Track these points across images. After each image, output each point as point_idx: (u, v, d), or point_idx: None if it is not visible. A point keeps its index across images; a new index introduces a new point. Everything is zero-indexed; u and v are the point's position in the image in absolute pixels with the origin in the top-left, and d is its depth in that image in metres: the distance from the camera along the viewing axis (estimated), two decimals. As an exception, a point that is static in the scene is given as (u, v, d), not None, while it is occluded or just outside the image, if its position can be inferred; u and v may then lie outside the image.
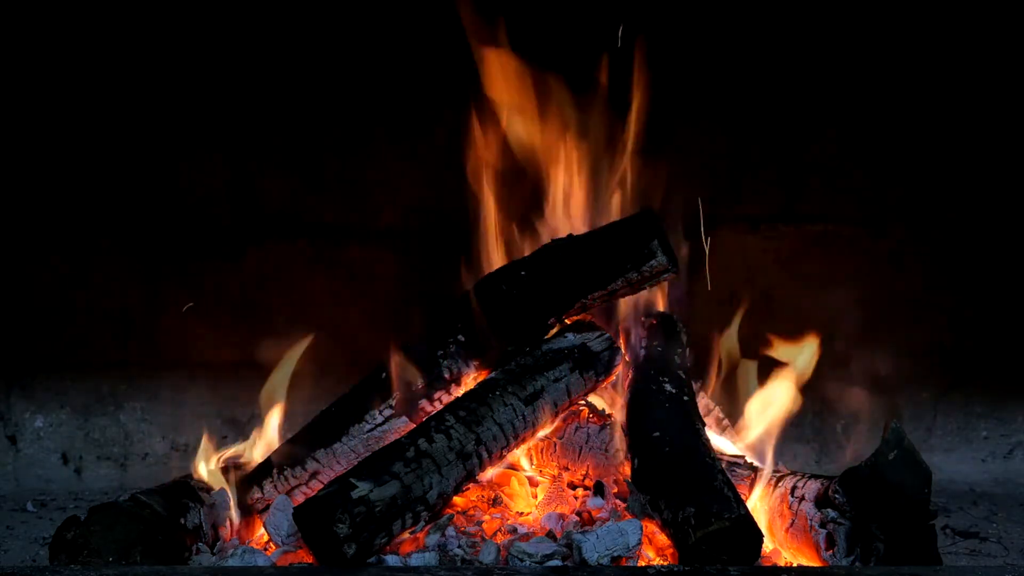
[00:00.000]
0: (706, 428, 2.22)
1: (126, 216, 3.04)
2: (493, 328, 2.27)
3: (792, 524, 2.03)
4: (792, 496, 2.05)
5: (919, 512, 1.89)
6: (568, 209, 2.53)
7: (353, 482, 1.91)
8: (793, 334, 2.50)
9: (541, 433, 2.27)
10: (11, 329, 3.05)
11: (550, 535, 2.03)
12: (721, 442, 2.42)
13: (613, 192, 2.54)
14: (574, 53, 2.63)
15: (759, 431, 2.35)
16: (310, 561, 1.95)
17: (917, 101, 3.02)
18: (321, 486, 2.09)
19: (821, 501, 1.97)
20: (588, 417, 2.33)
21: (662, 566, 1.87)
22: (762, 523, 2.03)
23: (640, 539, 1.94)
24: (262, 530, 2.18)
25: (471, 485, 2.15)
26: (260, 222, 3.07)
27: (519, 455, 2.33)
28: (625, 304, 2.48)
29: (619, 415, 2.32)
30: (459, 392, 2.25)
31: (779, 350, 2.48)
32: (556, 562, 1.91)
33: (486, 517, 2.14)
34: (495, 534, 2.07)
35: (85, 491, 2.97)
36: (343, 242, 3.08)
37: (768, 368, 2.47)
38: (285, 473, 2.24)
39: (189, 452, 3.07)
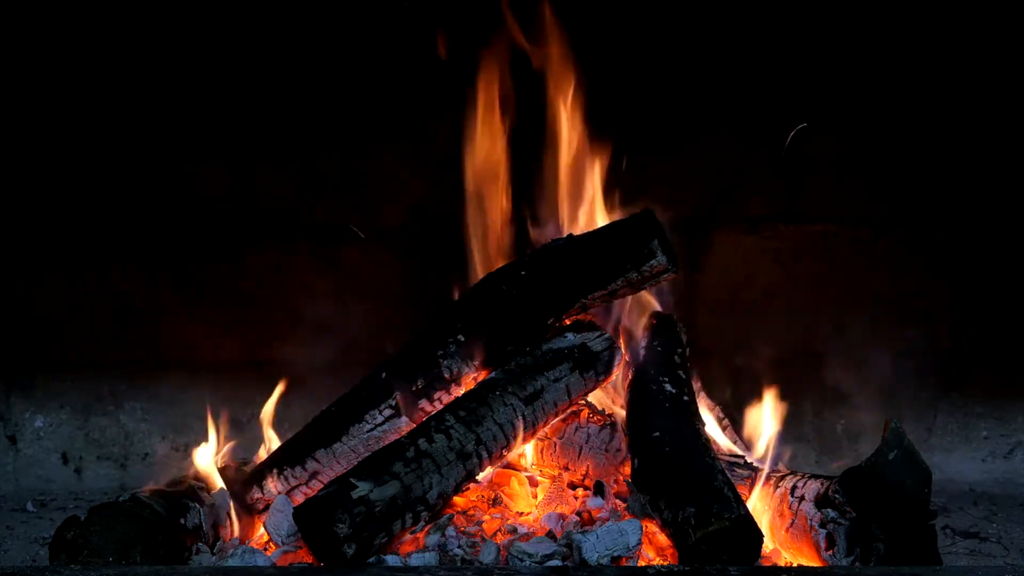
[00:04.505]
0: (706, 428, 2.22)
1: (126, 216, 3.04)
2: (493, 328, 2.27)
3: (792, 524, 2.03)
4: (792, 496, 2.05)
5: (919, 512, 1.89)
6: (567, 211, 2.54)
7: (353, 482, 1.91)
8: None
9: (541, 433, 2.27)
10: (11, 329, 3.05)
11: (550, 535, 2.03)
12: (721, 441, 2.43)
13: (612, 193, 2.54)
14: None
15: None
16: (310, 561, 1.95)
17: (917, 102, 3.02)
18: (321, 486, 2.09)
19: (821, 501, 1.97)
20: (588, 417, 2.33)
21: (662, 566, 1.87)
22: (762, 523, 2.03)
23: (640, 539, 1.94)
24: (262, 530, 2.18)
25: (471, 485, 2.15)
26: (260, 222, 3.07)
27: (519, 455, 2.33)
28: (625, 304, 2.48)
29: (619, 415, 2.32)
30: (459, 392, 2.25)
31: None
32: (556, 562, 1.91)
33: (486, 517, 2.14)
34: (495, 534, 2.07)
35: (85, 491, 2.97)
36: (343, 242, 3.08)
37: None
38: (285, 473, 2.24)
39: (189, 452, 3.07)
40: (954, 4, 2.94)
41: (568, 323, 2.33)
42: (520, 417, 2.14)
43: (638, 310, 2.52)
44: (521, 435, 2.15)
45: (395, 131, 3.03)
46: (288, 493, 2.21)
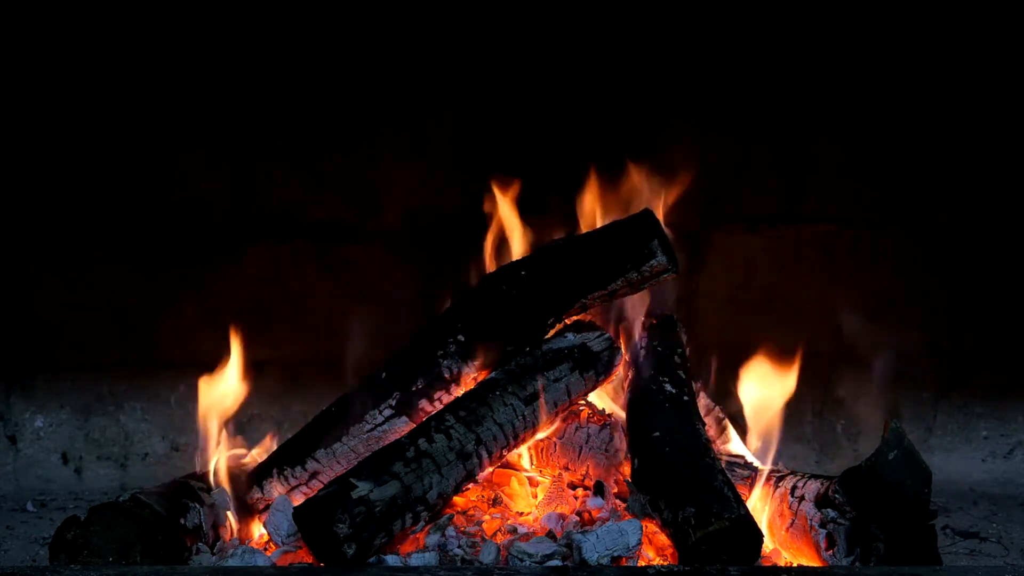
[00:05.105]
0: (706, 428, 2.22)
1: (126, 216, 3.04)
2: (493, 328, 2.27)
3: (792, 524, 2.03)
4: (792, 496, 2.05)
5: (919, 512, 1.89)
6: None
7: (353, 482, 1.91)
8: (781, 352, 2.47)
9: (541, 433, 2.27)
10: (11, 329, 3.05)
11: (550, 535, 2.03)
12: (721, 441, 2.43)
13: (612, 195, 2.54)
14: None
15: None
16: (310, 561, 1.95)
17: (917, 102, 3.02)
18: (321, 486, 2.09)
19: (821, 501, 1.97)
20: (588, 417, 2.33)
21: (662, 566, 1.87)
22: (762, 523, 2.03)
23: (640, 539, 1.94)
24: (262, 530, 2.18)
25: (471, 485, 2.15)
26: (260, 222, 3.07)
27: (519, 455, 2.33)
28: (625, 304, 2.48)
29: (619, 415, 2.32)
30: (459, 392, 2.25)
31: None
32: (556, 562, 1.91)
33: (486, 517, 2.14)
34: (495, 534, 2.07)
35: (85, 491, 2.97)
36: (343, 242, 3.08)
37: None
38: (285, 473, 2.24)
39: (189, 452, 3.07)
40: (954, 4, 2.95)
41: (568, 323, 2.33)
42: (520, 417, 2.14)
43: (638, 310, 2.51)
44: (521, 435, 2.16)
45: (395, 131, 3.03)
46: (288, 493, 2.21)
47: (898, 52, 3.00)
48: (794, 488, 2.06)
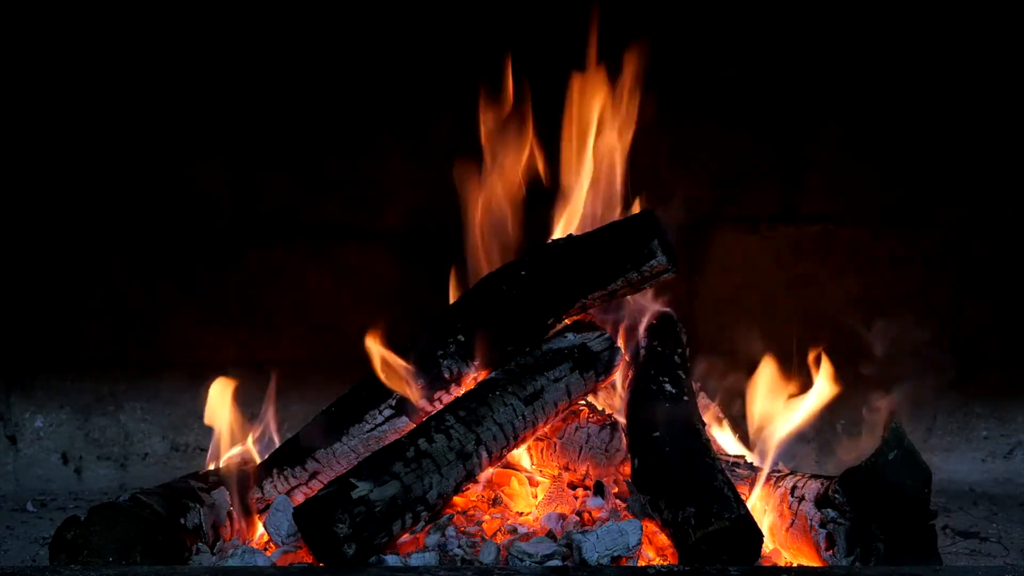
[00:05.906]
0: (707, 428, 2.22)
1: (126, 216, 3.04)
2: (493, 328, 2.27)
3: (792, 524, 2.03)
4: (792, 496, 2.06)
5: (919, 512, 1.89)
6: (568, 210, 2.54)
7: (353, 482, 1.92)
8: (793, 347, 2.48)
9: (541, 433, 2.27)
10: (11, 329, 3.05)
11: (550, 535, 2.03)
12: (722, 440, 2.43)
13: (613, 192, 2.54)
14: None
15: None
16: (310, 561, 1.95)
17: (918, 100, 3.02)
18: (321, 486, 2.09)
19: (821, 501, 1.97)
20: (588, 417, 2.33)
21: (662, 566, 1.87)
22: (762, 523, 2.03)
23: (640, 539, 1.94)
24: (262, 530, 2.18)
25: (471, 485, 2.15)
26: (260, 222, 3.07)
27: (519, 455, 2.33)
28: (625, 304, 2.48)
29: (619, 415, 2.32)
30: (459, 392, 2.25)
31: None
32: (556, 562, 1.92)
33: (486, 517, 2.14)
34: (495, 534, 2.07)
35: (85, 491, 2.97)
36: (343, 242, 3.08)
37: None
38: (285, 473, 2.24)
39: (189, 452, 3.07)
40: (952, 4, 2.95)
41: (568, 323, 2.33)
42: (520, 417, 2.14)
43: (638, 310, 2.51)
44: (521, 435, 2.16)
45: (396, 131, 3.03)
46: (288, 493, 2.21)
47: (897, 50, 3.00)
48: (794, 488, 2.07)
